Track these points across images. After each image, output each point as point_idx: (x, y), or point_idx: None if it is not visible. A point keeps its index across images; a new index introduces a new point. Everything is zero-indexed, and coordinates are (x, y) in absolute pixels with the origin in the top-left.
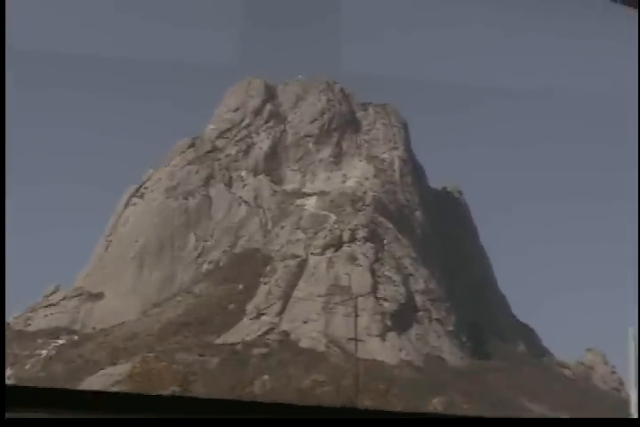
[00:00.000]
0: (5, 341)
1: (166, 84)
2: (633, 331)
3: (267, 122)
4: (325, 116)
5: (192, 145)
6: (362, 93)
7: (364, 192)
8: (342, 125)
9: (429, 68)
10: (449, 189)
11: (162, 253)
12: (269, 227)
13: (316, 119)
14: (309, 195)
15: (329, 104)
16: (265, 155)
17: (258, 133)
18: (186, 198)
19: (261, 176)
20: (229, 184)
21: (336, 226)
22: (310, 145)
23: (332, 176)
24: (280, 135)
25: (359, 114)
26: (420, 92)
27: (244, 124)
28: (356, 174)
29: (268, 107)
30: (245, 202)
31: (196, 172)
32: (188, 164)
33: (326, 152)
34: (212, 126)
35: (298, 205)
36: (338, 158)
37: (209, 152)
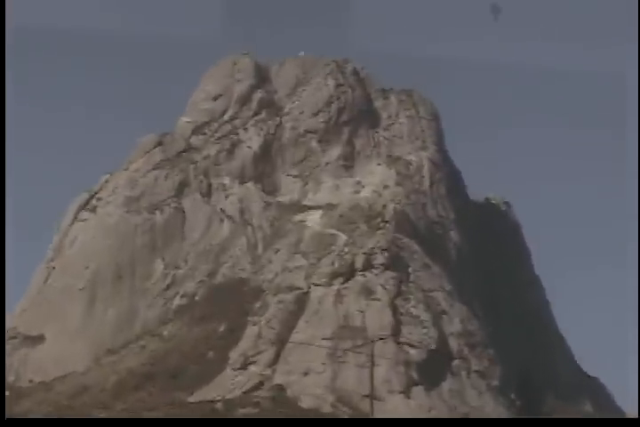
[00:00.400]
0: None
1: (123, 59)
2: None
3: (257, 113)
4: (333, 107)
5: (159, 143)
6: (381, 76)
7: (384, 205)
8: (355, 118)
9: (468, 43)
10: (493, 201)
11: (119, 283)
12: (260, 250)
13: (320, 110)
14: (312, 208)
15: (338, 90)
16: (254, 156)
17: (245, 129)
18: (151, 212)
19: (250, 184)
20: (208, 194)
21: (347, 249)
22: (313, 144)
23: (342, 184)
24: (274, 131)
25: (377, 103)
26: (455, 74)
27: (227, 116)
28: (372, 182)
29: (259, 94)
30: (229, 217)
31: (165, 178)
32: (155, 168)
33: (334, 153)
34: (185, 119)
35: (297, 222)
36: (349, 161)
37: (182, 152)
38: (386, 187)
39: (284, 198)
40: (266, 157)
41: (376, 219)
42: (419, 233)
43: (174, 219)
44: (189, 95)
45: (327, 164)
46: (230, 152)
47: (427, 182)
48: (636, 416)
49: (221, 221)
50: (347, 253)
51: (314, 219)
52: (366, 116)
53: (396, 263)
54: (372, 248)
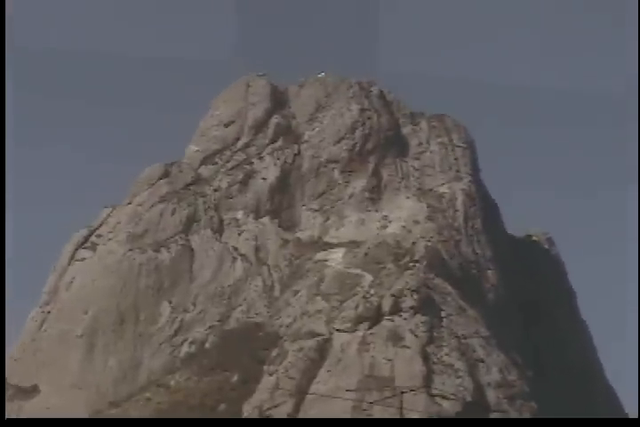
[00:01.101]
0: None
1: (126, 82)
2: None
3: (273, 141)
4: (358, 133)
5: (166, 174)
6: (410, 100)
7: (414, 242)
8: (382, 146)
9: (506, 66)
10: (535, 237)
11: (121, 329)
12: (277, 292)
13: (343, 137)
14: (334, 246)
15: (363, 115)
16: (270, 188)
17: (261, 158)
18: (157, 251)
19: (265, 219)
20: (219, 230)
21: (372, 291)
22: (336, 174)
23: (368, 219)
24: (292, 160)
25: (406, 129)
26: (490, 97)
27: (240, 144)
28: (401, 216)
29: (276, 119)
30: (243, 256)
31: (172, 212)
32: (160, 201)
33: (359, 185)
34: (194, 147)
35: (318, 261)
36: (375, 194)
37: (190, 184)
38: (416, 222)
39: (303, 235)
40: (283, 189)
41: (405, 257)
42: (452, 273)
43: (182, 258)
44: (198, 121)
45: (351, 196)
46: (244, 184)
47: (461, 217)
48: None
49: (234, 260)
50: (373, 296)
51: (336, 257)
52: (394, 144)
53: (427, 307)
54: (401, 290)
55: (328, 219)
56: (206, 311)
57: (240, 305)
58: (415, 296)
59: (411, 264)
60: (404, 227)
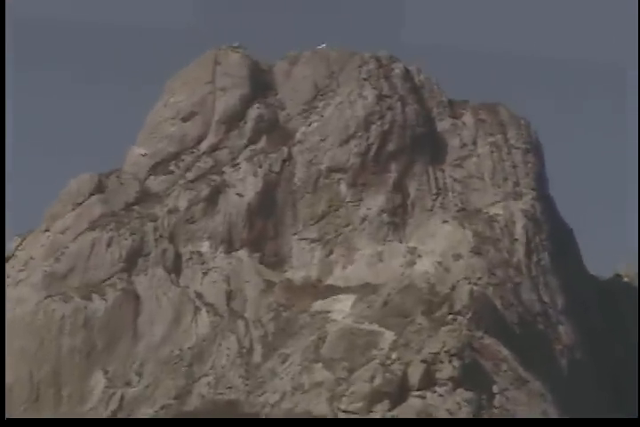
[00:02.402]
0: None
1: (46, 52)
2: None
3: (252, 141)
4: (374, 131)
5: (100, 188)
6: (448, 83)
7: (454, 286)
8: (409, 149)
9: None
10: (626, 277)
11: (36, 408)
12: (257, 357)
13: (353, 136)
14: (340, 291)
15: (381, 104)
16: (249, 209)
17: (235, 165)
18: (86, 298)
19: (242, 253)
20: (176, 269)
21: (395, 355)
22: (342, 189)
23: (388, 253)
24: (280, 169)
25: (443, 124)
26: (549, 80)
27: (205, 145)
28: (436, 249)
29: (257, 110)
30: (209, 305)
31: (109, 244)
32: (91, 227)
33: (375, 204)
34: (140, 150)
35: (317, 313)
36: (399, 217)
37: (134, 204)
38: (457, 257)
39: (295, 275)
40: (267, 209)
41: (441, 308)
42: (509, 330)
43: (123, 308)
44: (146, 113)
45: (364, 220)
46: (211, 202)
47: (521, 250)
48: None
49: (197, 311)
50: (395, 362)
51: (343, 308)
52: (425, 146)
53: (472, 378)
54: (436, 354)
55: (331, 252)
56: (157, 385)
57: (206, 375)
58: (456, 363)
59: (450, 317)
60: (439, 264)
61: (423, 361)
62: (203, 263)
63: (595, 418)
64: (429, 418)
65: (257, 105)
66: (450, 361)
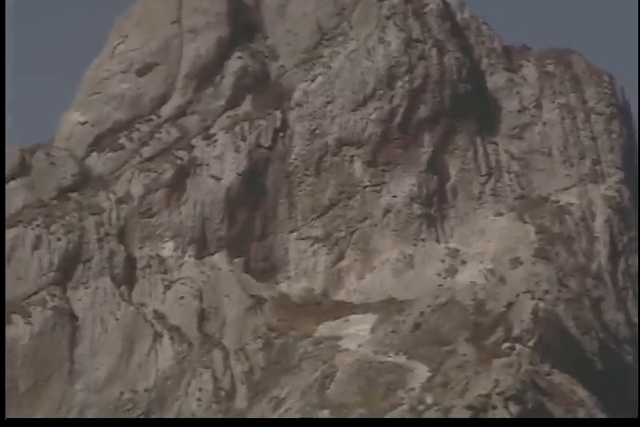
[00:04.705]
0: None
1: None
2: None
3: (234, 104)
4: (400, 88)
5: (24, 169)
6: (503, 24)
7: (510, 303)
8: (448, 114)
9: None
10: None
11: None
12: (241, 401)
13: (372, 95)
14: (354, 309)
15: (411, 51)
16: (228, 197)
17: (210, 137)
18: (6, 321)
19: (219, 257)
20: (128, 280)
21: (430, 398)
22: (357, 170)
23: (420, 257)
24: (272, 142)
25: (497, 79)
26: None
27: (168, 109)
28: (486, 251)
29: (239, 60)
30: (173, 330)
31: (35, 245)
32: (11, 223)
33: (402, 190)
34: (78, 116)
35: (321, 340)
36: (435, 207)
37: (70, 190)
38: (515, 263)
39: (293, 288)
40: (253, 198)
41: (494, 333)
42: (586, 363)
43: (55, 333)
44: (86, 64)
45: (387, 212)
46: (176, 188)
47: (603, 252)
48: None
49: (157, 337)
50: (430, 409)
51: (359, 332)
52: (471, 110)
53: None
54: (487, 397)
55: (342, 257)
56: None
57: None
58: (514, 409)
59: (505, 346)
60: (491, 272)
61: (469, 407)
62: (165, 272)
63: (595, 418)
64: (429, 418)
65: (239, 54)
66: (506, 407)
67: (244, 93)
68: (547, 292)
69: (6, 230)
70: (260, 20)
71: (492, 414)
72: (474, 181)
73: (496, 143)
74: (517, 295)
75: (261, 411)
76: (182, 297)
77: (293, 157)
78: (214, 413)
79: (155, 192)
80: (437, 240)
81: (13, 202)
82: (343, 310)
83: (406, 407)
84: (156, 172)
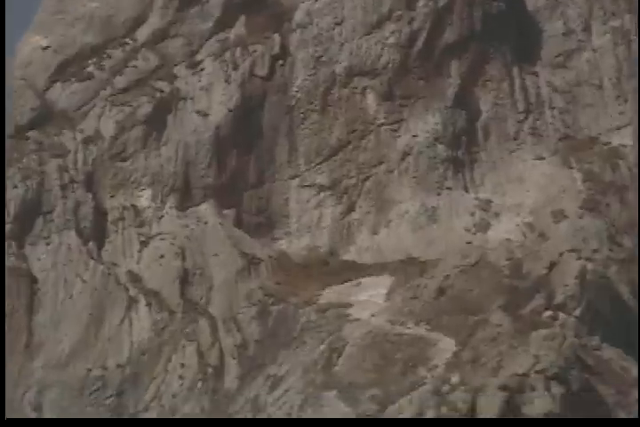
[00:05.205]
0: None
1: None
2: None
3: (223, 26)
4: (422, 5)
5: None
6: None
7: (552, 263)
8: (478, 37)
9: None
10: None
11: None
12: (232, 381)
13: (389, 15)
14: (366, 271)
15: None
16: (218, 138)
17: (196, 65)
18: None
19: (205, 207)
20: (98, 236)
21: (456, 378)
22: (370, 102)
23: (446, 209)
24: (269, 71)
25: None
26: None
27: (145, 31)
28: (523, 202)
29: None
30: (151, 295)
31: None
32: None
33: (424, 127)
34: (38, 40)
35: (328, 308)
36: (463, 150)
37: (30, 128)
38: (559, 216)
39: (294, 246)
40: (247, 138)
41: (532, 300)
42: None
43: (10, 298)
44: None
45: (406, 155)
46: (155, 126)
47: None
48: None
49: (132, 303)
50: (457, 389)
51: (372, 298)
52: (506, 34)
53: (584, 414)
54: (524, 376)
55: (352, 208)
56: None
57: (145, 411)
58: (557, 390)
59: (547, 315)
60: (529, 227)
61: (503, 388)
62: (141, 226)
63: (595, 418)
64: (429, 418)
65: None
66: (546, 387)
67: (237, 13)
68: (596, 251)
69: None
70: None
71: (529, 397)
72: (509, 119)
73: (536, 73)
74: (561, 254)
75: (255, 392)
76: (162, 256)
77: (295, 89)
78: (199, 393)
79: (129, 131)
80: (466, 189)
81: None
82: (353, 271)
83: (429, 388)
84: (130, 106)
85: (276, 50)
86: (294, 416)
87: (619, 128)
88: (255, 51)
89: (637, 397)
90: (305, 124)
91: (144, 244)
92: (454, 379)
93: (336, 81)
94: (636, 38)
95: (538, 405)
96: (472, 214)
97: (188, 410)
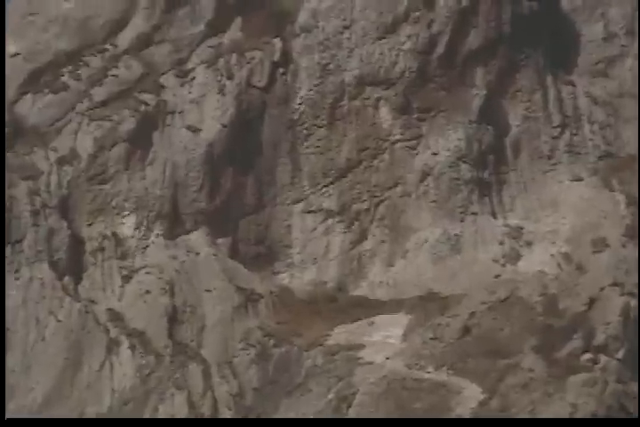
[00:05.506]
0: None
1: None
2: None
3: (216, 29)
4: (442, 6)
5: None
6: None
7: (592, 299)
8: (507, 41)
9: None
10: None
11: None
12: None
13: (405, 17)
14: (380, 308)
15: None
16: (210, 157)
17: (184, 73)
18: None
19: (197, 236)
20: (74, 269)
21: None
22: (384, 116)
23: (471, 237)
24: (268, 81)
25: None
26: None
27: (129, 34)
28: (558, 229)
29: None
30: (135, 336)
31: None
32: None
33: (446, 144)
34: (8, 45)
35: (337, 350)
36: (490, 169)
37: None
38: (599, 244)
39: (297, 280)
40: (244, 157)
41: (569, 340)
42: None
43: None
44: None
45: (426, 176)
46: (140, 144)
47: None
48: None
49: (113, 346)
50: None
51: (387, 339)
52: (539, 37)
53: None
54: None
55: (364, 237)
56: None
57: None
58: None
59: (586, 358)
60: (565, 257)
61: None
62: (124, 257)
63: (595, 418)
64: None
65: None
66: None
67: (232, 15)
68: None
69: None
70: None
71: None
72: (543, 135)
73: (573, 83)
74: (602, 289)
75: None
76: (147, 291)
77: (298, 101)
78: None
79: (110, 149)
80: (493, 214)
81: None
82: (365, 309)
83: None
84: (111, 121)
85: (277, 56)
86: None
87: None
88: (253, 58)
89: (637, 396)
90: (310, 142)
91: (127, 278)
92: None
93: (345, 92)
94: None
95: None
96: (501, 243)
97: None
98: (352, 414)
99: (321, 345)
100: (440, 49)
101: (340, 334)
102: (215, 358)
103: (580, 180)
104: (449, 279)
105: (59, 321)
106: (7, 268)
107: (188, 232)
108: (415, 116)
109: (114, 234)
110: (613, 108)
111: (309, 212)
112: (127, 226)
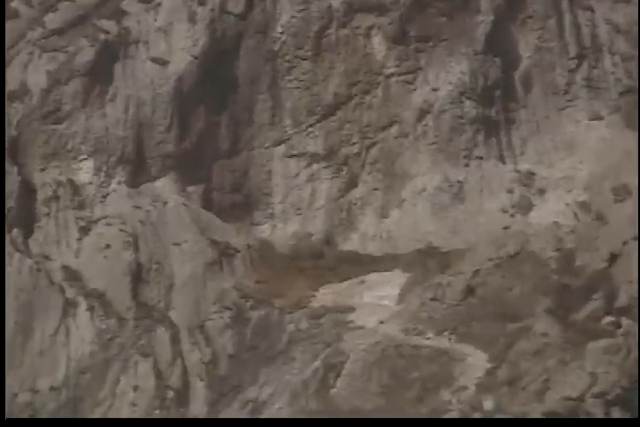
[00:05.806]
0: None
1: None
2: None
3: None
4: None
5: None
6: None
7: (613, 255)
8: None
9: None
10: None
11: None
12: (200, 407)
13: None
14: (372, 265)
15: None
16: (179, 92)
17: (148, 4)
18: None
19: (164, 182)
20: (23, 220)
21: (491, 404)
22: (377, 46)
23: (476, 184)
24: (245, 7)
25: None
26: None
27: None
28: (575, 175)
29: None
30: (94, 296)
31: None
32: None
33: (448, 78)
34: None
35: (323, 313)
36: (497, 106)
37: None
38: (621, 192)
39: (279, 232)
40: (217, 93)
41: (587, 301)
42: None
43: None
44: None
45: (425, 114)
46: (98, 78)
47: None
48: None
49: (69, 307)
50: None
51: (380, 300)
52: None
53: None
54: (578, 400)
55: (354, 184)
56: None
57: None
58: (618, 416)
59: (606, 321)
60: (583, 207)
61: (551, 415)
62: (81, 207)
63: (595, 418)
64: (430, 418)
65: None
66: (607, 415)
67: None
68: None
69: None
70: None
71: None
72: (557, 67)
73: (591, 8)
74: (624, 243)
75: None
76: (108, 246)
77: (279, 29)
78: None
79: (65, 84)
80: (501, 158)
81: None
82: (356, 265)
83: (455, 415)
84: (66, 52)
85: None
86: None
87: None
88: None
89: (637, 396)
90: (292, 75)
91: (84, 230)
92: (487, 405)
93: (333, 19)
94: None
95: None
96: (509, 191)
97: None
98: (340, 385)
99: (305, 307)
100: None
101: (326, 295)
102: (185, 321)
103: (599, 118)
104: (451, 232)
105: (9, 281)
106: None
107: (154, 179)
108: (412, 46)
109: (69, 180)
110: (637, 37)
111: (292, 155)
112: (85, 171)
